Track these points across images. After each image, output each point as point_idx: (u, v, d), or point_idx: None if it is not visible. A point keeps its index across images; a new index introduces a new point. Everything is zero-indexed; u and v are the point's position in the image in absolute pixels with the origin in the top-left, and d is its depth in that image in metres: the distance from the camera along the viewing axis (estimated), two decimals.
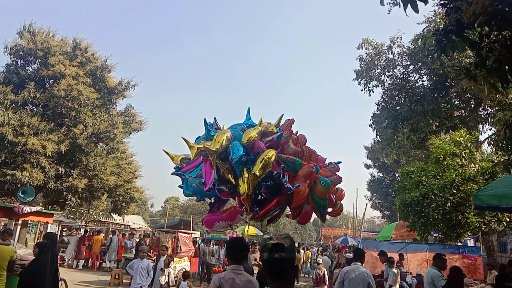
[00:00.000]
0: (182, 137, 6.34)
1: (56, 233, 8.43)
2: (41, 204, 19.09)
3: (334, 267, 15.29)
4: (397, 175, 28.65)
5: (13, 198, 17.62)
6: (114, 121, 19.24)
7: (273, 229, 44.84)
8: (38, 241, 8.52)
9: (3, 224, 14.66)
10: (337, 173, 6.96)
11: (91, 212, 25.92)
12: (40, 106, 18.86)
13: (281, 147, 6.39)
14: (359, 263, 6.87)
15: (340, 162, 7.04)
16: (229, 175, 5.99)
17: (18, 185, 16.70)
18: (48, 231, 10.95)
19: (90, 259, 19.38)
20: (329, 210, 6.80)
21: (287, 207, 6.77)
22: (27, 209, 8.90)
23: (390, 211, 30.60)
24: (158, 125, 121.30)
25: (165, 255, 9.08)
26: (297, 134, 6.99)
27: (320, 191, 6.41)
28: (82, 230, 22.19)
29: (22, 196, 15.35)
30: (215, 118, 6.73)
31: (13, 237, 9.52)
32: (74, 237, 20.16)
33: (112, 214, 26.10)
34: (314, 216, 7.02)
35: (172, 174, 6.86)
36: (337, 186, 6.99)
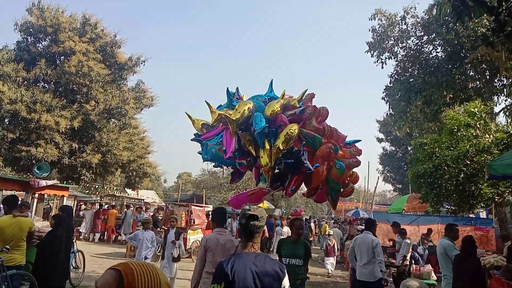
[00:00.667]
0: (205, 101, 6.31)
1: (72, 207, 8.58)
2: (56, 180, 19.45)
3: (346, 239, 15.43)
4: (409, 148, 28.47)
5: (28, 174, 17.94)
6: (125, 97, 19.29)
7: (285, 203, 45.12)
8: (55, 213, 8.69)
9: (20, 199, 14.98)
10: (357, 156, 6.81)
11: (105, 187, 26.32)
12: (52, 83, 18.94)
13: (302, 122, 6.29)
14: (369, 232, 7.20)
15: (359, 141, 6.93)
16: (250, 147, 5.95)
17: (33, 161, 16.97)
18: (64, 203, 11.17)
19: (105, 232, 19.86)
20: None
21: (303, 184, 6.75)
22: (43, 182, 9.07)
23: (402, 184, 30.53)
24: (169, 100, 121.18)
25: (175, 228, 9.00)
26: (319, 108, 6.83)
27: (335, 175, 6.27)
28: (97, 204, 22.61)
29: (38, 171, 15.61)
30: (237, 88, 6.65)
31: (30, 210, 9.73)
32: (90, 211, 20.63)
33: (126, 189, 26.51)
34: None
35: (192, 140, 6.86)
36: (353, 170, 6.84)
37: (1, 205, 6.68)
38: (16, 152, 16.96)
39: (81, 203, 24.38)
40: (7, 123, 17.53)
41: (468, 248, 5.71)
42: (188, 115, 6.74)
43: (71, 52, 17.99)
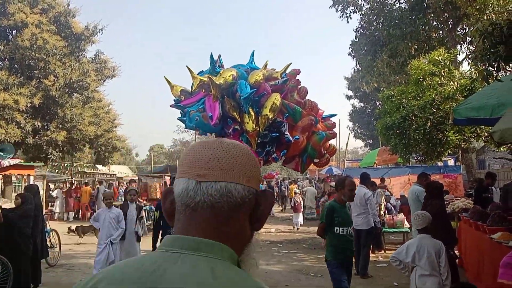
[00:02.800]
0: (186, 66, 6.16)
1: (38, 186, 8.19)
2: (23, 161, 18.83)
3: (321, 196, 15.70)
4: (378, 103, 28.81)
5: None
6: (86, 69, 18.55)
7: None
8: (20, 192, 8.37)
9: None
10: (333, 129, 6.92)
11: (75, 165, 25.71)
12: (6, 59, 18.00)
13: (284, 94, 6.24)
14: (364, 186, 7.81)
15: (334, 115, 6.97)
16: (235, 113, 5.88)
17: None
18: (30, 183, 10.79)
19: (80, 210, 19.53)
20: (316, 160, 6.80)
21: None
22: (6, 162, 8.69)
23: (373, 139, 31.10)
24: (133, 70, 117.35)
25: (134, 202, 7.48)
26: (299, 86, 6.82)
27: (313, 141, 6.41)
28: (68, 183, 22.12)
29: (1, 154, 15.01)
30: (219, 55, 6.48)
31: None
32: (60, 190, 20.18)
33: (97, 165, 25.99)
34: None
35: (171, 106, 6.69)
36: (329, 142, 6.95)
37: None
38: None
39: (50, 183, 23.79)
40: None
41: (431, 192, 5.86)
42: (167, 79, 6.54)
43: (23, 25, 17.00)
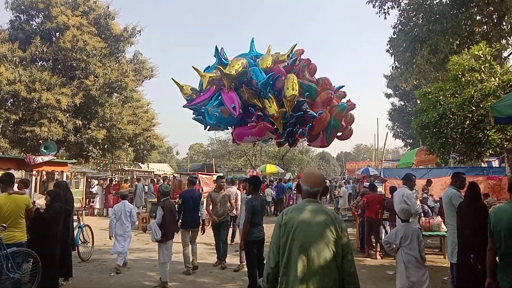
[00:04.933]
0: (192, 67, 6.10)
1: (67, 182, 8.54)
2: (64, 158, 19.55)
3: (356, 197, 15.33)
4: (418, 102, 27.88)
5: (37, 154, 18.05)
6: (124, 70, 19.01)
7: (297, 166, 45.14)
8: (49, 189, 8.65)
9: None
10: (347, 98, 6.74)
11: (115, 162, 26.49)
12: (50, 61, 18.70)
13: (296, 73, 6.12)
14: (406, 187, 8.05)
15: (343, 86, 6.76)
16: (255, 100, 5.83)
17: (39, 141, 16.98)
18: (63, 179, 11.12)
19: None
20: (339, 134, 6.63)
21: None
22: (39, 159, 8.97)
23: (413, 139, 30.11)
24: (170, 70, 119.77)
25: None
26: (309, 64, 6.68)
27: (335, 112, 6.28)
28: (108, 180, 22.82)
29: (45, 151, 15.58)
30: (222, 48, 6.38)
31: (29, 188, 9.72)
32: (100, 187, 20.84)
33: (138, 163, 26.64)
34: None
35: (184, 106, 6.63)
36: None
37: None
38: (21, 133, 16.97)
39: (93, 180, 24.62)
40: (9, 104, 17.48)
41: (472, 193, 5.49)
42: (175, 81, 6.50)
43: (65, 27, 17.63)
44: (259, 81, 5.58)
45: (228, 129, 6.82)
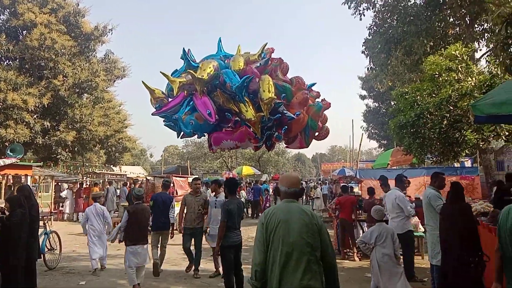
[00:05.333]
0: (160, 72, 5.77)
1: (30, 186, 8.13)
2: (32, 161, 18.80)
3: (332, 197, 15.25)
4: (392, 103, 28.19)
5: (2, 157, 17.29)
6: (95, 69, 18.44)
7: (273, 168, 45.07)
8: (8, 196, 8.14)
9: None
10: (321, 98, 6.56)
11: (86, 165, 25.69)
12: (17, 60, 17.97)
13: (269, 74, 5.89)
14: (398, 188, 7.75)
15: (314, 84, 6.58)
16: (230, 104, 5.56)
17: (5, 144, 16.27)
18: (27, 183, 10.57)
19: None
20: (316, 134, 6.46)
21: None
22: (0, 162, 8.44)
23: (387, 140, 30.41)
24: (144, 70, 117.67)
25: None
26: (281, 64, 6.46)
27: (312, 113, 6.10)
28: (78, 184, 22.05)
29: (11, 154, 14.95)
30: (189, 49, 6.07)
31: None
32: (70, 191, 20.10)
33: (110, 165, 25.93)
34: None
35: (153, 114, 6.26)
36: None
37: None
38: None
39: (63, 183, 23.77)
40: None
41: (455, 193, 5.35)
42: (145, 84, 6.14)
43: (32, 25, 16.97)
44: (234, 85, 5.35)
45: (204, 135, 6.50)
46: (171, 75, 6.08)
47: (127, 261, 6.86)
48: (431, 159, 10.86)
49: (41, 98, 16.72)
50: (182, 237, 8.00)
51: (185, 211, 8.10)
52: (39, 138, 17.40)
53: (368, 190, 10.30)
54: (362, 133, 23.67)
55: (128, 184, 20.04)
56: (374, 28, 17.22)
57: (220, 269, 7.22)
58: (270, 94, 5.31)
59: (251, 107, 5.50)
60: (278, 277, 3.01)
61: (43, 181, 21.63)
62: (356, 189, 14.73)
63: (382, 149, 33.85)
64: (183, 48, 5.91)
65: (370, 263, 5.99)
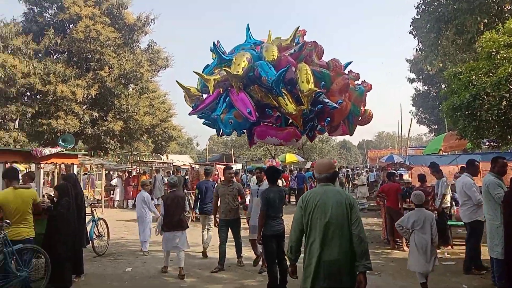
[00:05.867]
0: (194, 71, 5.63)
1: (76, 174, 8.48)
2: (83, 151, 19.50)
3: (381, 184, 14.72)
4: (443, 86, 26.88)
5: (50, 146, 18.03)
6: (139, 60, 18.75)
7: (318, 155, 44.48)
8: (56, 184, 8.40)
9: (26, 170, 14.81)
10: (360, 80, 6.15)
11: (135, 154, 26.42)
12: (66, 53, 18.57)
13: (304, 60, 5.58)
14: (468, 174, 7.24)
15: (350, 63, 6.17)
16: (269, 99, 5.35)
17: (57, 134, 16.91)
18: (72, 172, 10.83)
19: None
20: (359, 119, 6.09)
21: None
22: (46, 151, 8.66)
23: (438, 125, 29.08)
24: (186, 60, 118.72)
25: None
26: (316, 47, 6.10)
27: (354, 97, 5.75)
28: (127, 172, 22.68)
29: (63, 144, 15.47)
30: (218, 41, 5.85)
31: (36, 181, 9.47)
32: (120, 179, 20.71)
33: (158, 154, 26.51)
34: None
35: (190, 114, 6.19)
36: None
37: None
38: (38, 126, 16.94)
39: (114, 172, 24.55)
40: (25, 98, 17.44)
41: None
42: (180, 84, 6.02)
43: (77, 18, 17.47)
44: (270, 78, 5.09)
45: (244, 133, 6.31)
46: (204, 71, 5.96)
47: (163, 245, 7.39)
48: (487, 143, 10.12)
49: (89, 90, 17.23)
50: (218, 232, 7.76)
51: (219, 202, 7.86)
52: (88, 128, 17.97)
53: (418, 177, 9.79)
54: (411, 118, 22.75)
55: (174, 172, 20.41)
56: (423, 6, 16.31)
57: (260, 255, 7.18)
58: (310, 85, 5.02)
59: (290, 100, 5.26)
60: (319, 251, 3.46)
61: (95, 170, 22.41)
62: (405, 176, 14.15)
63: (433, 134, 32.45)
64: (213, 43, 5.74)
65: (409, 248, 6.08)
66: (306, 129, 5.89)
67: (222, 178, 15.12)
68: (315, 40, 5.80)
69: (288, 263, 3.95)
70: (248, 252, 8.27)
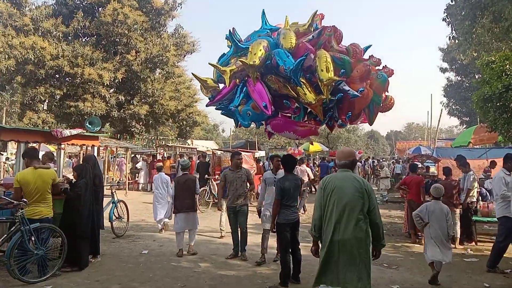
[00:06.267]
0: (209, 63, 5.48)
1: (95, 156, 8.58)
2: (109, 134, 19.81)
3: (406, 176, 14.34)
4: (477, 76, 25.86)
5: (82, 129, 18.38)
6: (166, 44, 18.76)
7: (344, 145, 43.89)
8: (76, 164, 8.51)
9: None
10: (382, 65, 5.83)
11: (160, 139, 26.72)
12: (94, 36, 18.77)
13: (323, 46, 5.35)
14: (504, 169, 6.98)
15: (370, 46, 5.85)
16: (287, 90, 5.18)
17: (84, 116, 17.20)
18: (92, 153, 11.01)
19: None
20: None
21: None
22: (67, 132, 8.75)
23: (470, 117, 28.07)
24: (212, 45, 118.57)
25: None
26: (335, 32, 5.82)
27: (376, 86, 5.48)
28: (152, 156, 22.99)
29: (90, 126, 15.75)
30: (233, 28, 5.67)
31: (55, 162, 9.61)
32: (145, 162, 21.01)
33: (183, 139, 26.72)
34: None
35: (207, 105, 6.08)
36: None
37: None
38: (65, 108, 17.27)
39: (138, 155, 24.93)
40: (54, 80, 17.76)
41: None
42: (196, 76, 5.92)
43: (106, 1, 17.55)
44: (288, 68, 4.88)
45: (262, 124, 6.17)
46: (219, 60, 5.80)
47: (175, 226, 7.65)
48: None
49: (115, 73, 17.40)
50: (228, 219, 7.75)
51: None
52: (115, 111, 18.20)
53: (443, 170, 9.45)
54: (442, 109, 21.95)
55: (198, 158, 20.55)
56: None
57: (267, 254, 7.15)
58: (329, 74, 4.81)
59: (309, 89, 5.06)
60: (332, 230, 3.79)
61: (122, 153, 22.79)
62: (432, 169, 13.72)
63: (464, 126, 31.35)
64: (229, 31, 5.57)
65: (424, 240, 6.28)
66: (326, 118, 5.69)
67: (244, 166, 15.19)
68: (334, 25, 5.53)
69: (310, 246, 4.31)
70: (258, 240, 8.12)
